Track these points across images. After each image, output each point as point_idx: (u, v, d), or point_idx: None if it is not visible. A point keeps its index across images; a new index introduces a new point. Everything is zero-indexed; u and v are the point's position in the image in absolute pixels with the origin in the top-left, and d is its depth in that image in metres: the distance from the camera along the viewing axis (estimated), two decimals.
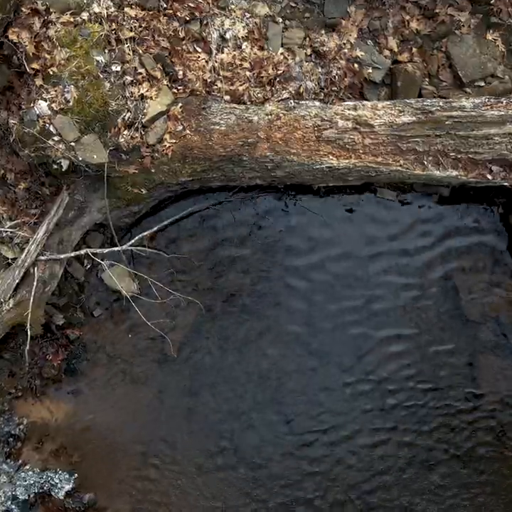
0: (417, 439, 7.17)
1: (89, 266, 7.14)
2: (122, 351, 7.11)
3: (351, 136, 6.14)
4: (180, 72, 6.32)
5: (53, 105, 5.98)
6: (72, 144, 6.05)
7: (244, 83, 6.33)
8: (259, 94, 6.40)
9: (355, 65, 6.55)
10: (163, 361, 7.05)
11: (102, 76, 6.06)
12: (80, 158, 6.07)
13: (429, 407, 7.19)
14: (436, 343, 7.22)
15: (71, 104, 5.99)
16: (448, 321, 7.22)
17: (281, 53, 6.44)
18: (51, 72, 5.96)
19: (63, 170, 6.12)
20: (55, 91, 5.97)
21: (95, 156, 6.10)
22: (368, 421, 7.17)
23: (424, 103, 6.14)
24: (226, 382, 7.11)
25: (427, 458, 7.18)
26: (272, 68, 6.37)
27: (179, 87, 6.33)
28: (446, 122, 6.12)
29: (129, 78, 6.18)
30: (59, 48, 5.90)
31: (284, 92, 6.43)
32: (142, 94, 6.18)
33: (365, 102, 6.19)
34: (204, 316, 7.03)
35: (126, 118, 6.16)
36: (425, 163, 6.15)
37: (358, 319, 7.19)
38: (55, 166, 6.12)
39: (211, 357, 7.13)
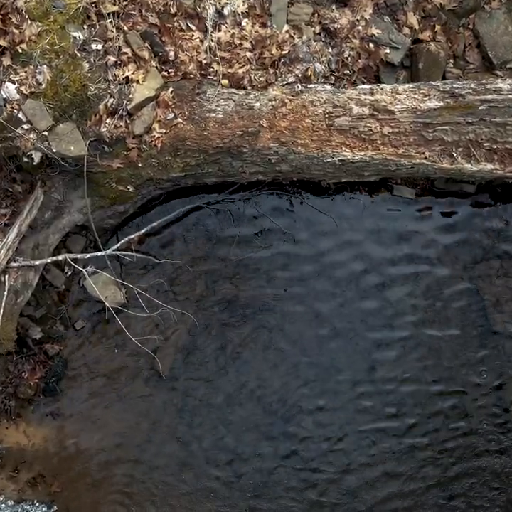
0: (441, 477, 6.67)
1: (70, 273, 6.66)
2: (108, 368, 6.66)
3: (368, 125, 5.63)
4: (172, 53, 5.81)
5: (23, 88, 5.46)
6: (45, 133, 5.52)
7: (244, 65, 5.87)
8: (261, 78, 5.92)
9: (371, 45, 6.07)
10: (153, 379, 6.59)
11: (79, 55, 5.52)
12: (55, 150, 5.54)
13: (454, 435, 6.67)
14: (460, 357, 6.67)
15: (43, 87, 5.46)
16: (473, 332, 6.69)
17: (287, 31, 5.96)
18: (20, 50, 5.43)
19: (35, 164, 5.60)
20: (25, 72, 5.45)
21: (72, 148, 5.57)
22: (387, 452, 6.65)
23: (453, 85, 5.62)
24: (222, 401, 6.63)
25: (450, 487, 6.66)
26: (276, 48, 5.90)
27: (170, 70, 5.84)
28: (480, 107, 5.59)
29: (111, 58, 5.65)
30: (29, 22, 5.35)
31: (289, 75, 5.94)
32: (127, 77, 5.68)
33: (383, 85, 5.70)
34: (199, 329, 6.55)
35: (108, 104, 5.65)
36: (454, 155, 5.63)
37: (375, 338, 6.68)
38: (26, 159, 5.60)
39: (206, 374, 6.65)
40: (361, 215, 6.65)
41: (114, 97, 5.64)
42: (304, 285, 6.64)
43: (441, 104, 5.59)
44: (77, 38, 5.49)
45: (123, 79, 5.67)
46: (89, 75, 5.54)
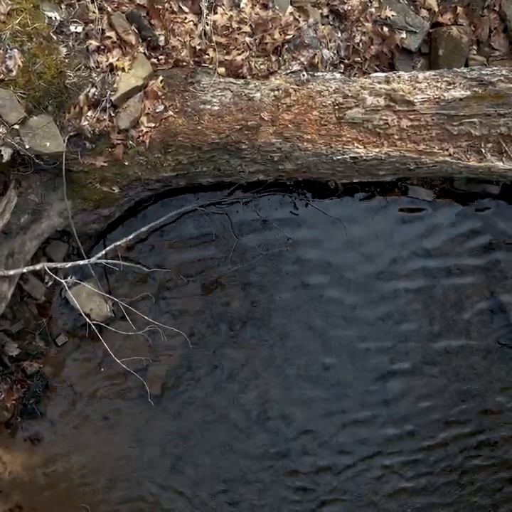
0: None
1: (51, 283, 6.23)
2: (93, 388, 6.26)
3: (383, 117, 5.21)
4: (162, 38, 5.40)
5: None
6: (16, 127, 5.00)
7: (243, 52, 5.50)
8: (262, 66, 5.54)
9: (385, 29, 5.70)
10: (143, 400, 6.10)
11: (56, 38, 5.02)
12: (28, 146, 5.03)
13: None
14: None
15: (14, 74, 4.95)
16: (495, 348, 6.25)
17: (291, 13, 5.57)
18: None
19: (4, 161, 5.07)
20: None
21: (48, 144, 5.06)
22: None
23: (482, 72, 5.16)
24: (220, 425, 6.25)
25: None
26: (279, 32, 5.52)
27: (160, 57, 5.43)
28: None
29: (93, 43, 5.18)
30: None
31: (293, 62, 5.54)
32: (111, 64, 5.23)
33: (401, 73, 5.28)
34: (193, 345, 6.16)
35: (89, 94, 5.19)
36: (483, 151, 5.18)
37: (390, 354, 6.23)
38: None
39: (202, 394, 6.25)
40: (373, 219, 6.23)
41: (96, 87, 5.19)
42: (309, 296, 6.24)
43: (468, 93, 5.13)
44: (53, 18, 5.01)
45: (106, 66, 5.22)
46: (67, 60, 5.04)
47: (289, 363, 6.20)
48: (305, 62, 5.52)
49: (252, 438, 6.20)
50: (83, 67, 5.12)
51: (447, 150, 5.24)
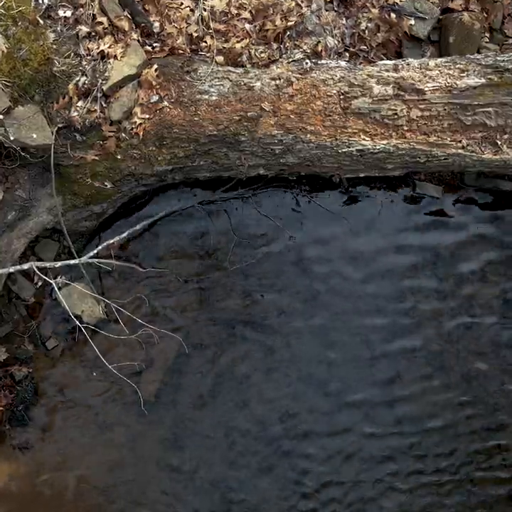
0: None
1: (40, 283, 6.05)
2: (85, 393, 6.09)
3: (392, 107, 4.99)
4: (157, 24, 5.23)
5: None
6: (0, 117, 4.80)
7: (242, 39, 5.33)
8: (262, 54, 5.33)
9: (392, 15, 5.48)
10: (138, 405, 5.92)
11: (43, 23, 4.82)
12: (13, 138, 4.82)
13: None
14: None
15: None
16: None
17: None
18: None
19: None
20: None
21: (35, 136, 4.86)
22: None
23: (498, 58, 4.91)
24: (217, 433, 6.06)
25: None
26: (281, 19, 5.34)
27: (155, 44, 5.24)
28: None
29: (84, 29, 4.99)
30: None
31: (296, 50, 5.34)
32: (103, 51, 5.05)
33: (410, 60, 5.05)
34: (189, 348, 5.96)
35: (79, 83, 5.00)
36: (499, 143, 4.94)
37: (401, 368, 5.99)
38: None
39: (199, 400, 6.06)
40: (378, 216, 6.00)
41: (86, 75, 4.98)
42: (311, 300, 6.03)
43: (483, 81, 4.90)
44: (41, 1, 4.82)
45: (97, 53, 5.03)
46: (54, 47, 4.83)
47: (292, 368, 6.02)
48: (308, 51, 5.33)
49: (252, 446, 6.03)
50: (72, 54, 4.92)
51: (460, 142, 5.04)
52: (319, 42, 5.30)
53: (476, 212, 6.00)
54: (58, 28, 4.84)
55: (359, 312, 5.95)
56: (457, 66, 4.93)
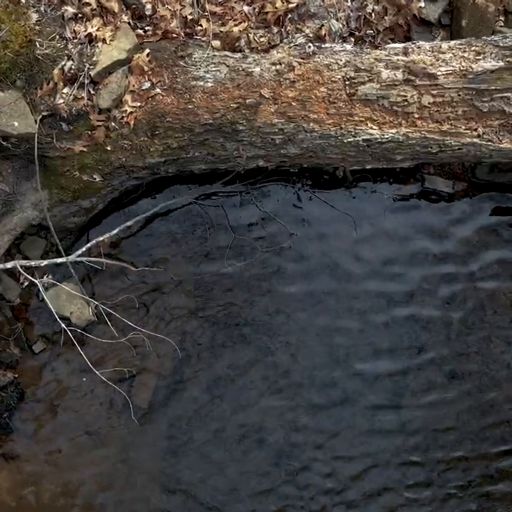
0: None
1: (27, 283, 5.94)
2: (74, 400, 5.96)
3: (402, 93, 4.80)
4: (149, 6, 5.06)
5: None
6: None
7: (240, 22, 5.18)
8: (262, 39, 5.16)
9: None
10: (130, 413, 5.75)
11: (25, 1, 4.60)
12: None
13: None
14: None
15: None
16: None
17: None
18: None
19: None
20: None
21: (17, 124, 4.67)
22: None
23: None
24: (214, 443, 5.89)
25: None
26: (282, 0, 5.17)
27: (147, 28, 5.08)
28: None
29: (70, 10, 4.79)
30: None
31: (298, 35, 5.11)
32: (90, 34, 4.85)
33: (421, 43, 4.83)
34: (185, 352, 5.87)
35: (65, 68, 4.79)
36: None
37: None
38: None
39: (195, 406, 5.92)
40: (385, 213, 5.85)
41: (72, 60, 4.76)
42: (313, 301, 5.89)
43: (501, 64, 4.65)
44: None
45: (85, 36, 4.83)
46: (37, 28, 4.60)
47: (294, 373, 5.87)
48: (310, 35, 5.12)
49: (250, 456, 5.86)
50: (57, 36, 4.70)
51: (476, 130, 4.84)
52: (323, 25, 5.09)
53: (488, 208, 5.85)
54: (41, 8, 4.62)
55: (364, 318, 5.83)
56: (473, 48, 4.70)
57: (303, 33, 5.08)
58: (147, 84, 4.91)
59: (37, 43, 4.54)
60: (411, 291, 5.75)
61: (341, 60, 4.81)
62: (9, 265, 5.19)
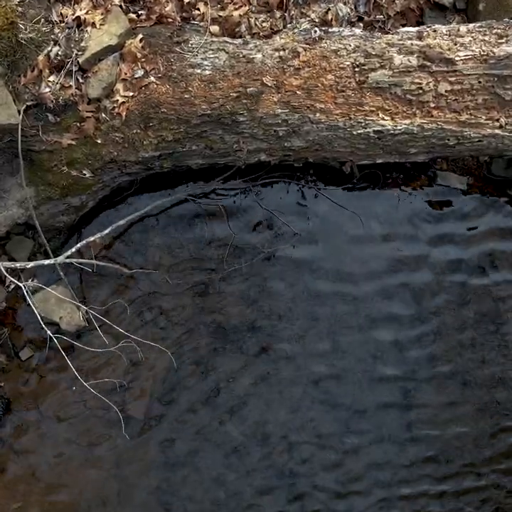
0: None
1: (13, 286, 5.71)
2: (63, 411, 5.70)
3: (416, 81, 4.51)
4: None
5: None
6: None
7: (241, 6, 4.99)
8: (264, 24, 4.95)
9: None
10: (124, 425, 5.53)
11: None
12: None
13: None
14: None
15: None
16: None
17: None
18: None
19: None
20: None
21: None
22: None
23: None
24: (213, 453, 5.65)
25: None
26: None
27: (140, 12, 4.86)
28: None
29: None
30: None
31: (302, 20, 4.90)
32: (79, 17, 4.61)
33: (437, 26, 4.54)
34: (182, 360, 5.66)
35: (52, 54, 4.54)
36: None
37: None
38: None
39: (192, 417, 5.65)
40: (395, 212, 5.62)
41: (59, 45, 4.51)
42: (317, 306, 5.66)
43: None
44: None
45: (73, 20, 4.58)
46: (20, 9, 4.33)
47: (296, 382, 5.63)
48: (316, 20, 4.87)
49: (250, 467, 5.63)
50: (43, 19, 4.42)
51: (498, 120, 4.52)
52: (329, 9, 4.83)
53: (504, 206, 5.62)
54: None
55: (368, 323, 5.61)
56: (494, 31, 4.40)
57: (308, 18, 4.84)
58: (140, 72, 4.67)
59: (20, 26, 4.26)
60: (421, 293, 5.54)
61: (350, 45, 4.53)
62: None
